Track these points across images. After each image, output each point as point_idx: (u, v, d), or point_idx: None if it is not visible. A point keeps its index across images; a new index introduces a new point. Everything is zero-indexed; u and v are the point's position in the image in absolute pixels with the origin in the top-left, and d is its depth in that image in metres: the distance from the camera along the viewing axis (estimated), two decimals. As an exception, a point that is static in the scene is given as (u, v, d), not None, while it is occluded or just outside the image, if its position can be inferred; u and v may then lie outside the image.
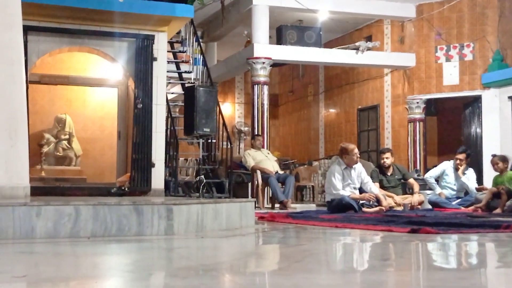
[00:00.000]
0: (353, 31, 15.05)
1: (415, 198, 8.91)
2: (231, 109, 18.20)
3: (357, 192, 8.15)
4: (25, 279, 2.45)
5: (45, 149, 10.94)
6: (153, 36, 8.65)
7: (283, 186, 10.09)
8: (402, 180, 9.30)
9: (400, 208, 8.63)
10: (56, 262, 3.15)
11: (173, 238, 4.24)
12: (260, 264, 3.40)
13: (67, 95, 11.33)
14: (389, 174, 9.21)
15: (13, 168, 4.97)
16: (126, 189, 8.40)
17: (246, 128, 17.36)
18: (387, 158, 9.17)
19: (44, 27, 8.18)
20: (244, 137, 17.44)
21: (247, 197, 10.65)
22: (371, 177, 8.79)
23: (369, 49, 13.17)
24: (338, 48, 13.61)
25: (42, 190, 7.54)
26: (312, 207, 10.98)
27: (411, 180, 9.29)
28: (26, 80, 5.85)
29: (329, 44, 14.99)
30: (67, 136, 11.13)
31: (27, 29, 7.25)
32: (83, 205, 4.18)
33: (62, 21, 8.27)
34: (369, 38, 14.20)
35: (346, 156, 8.10)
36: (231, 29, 14.45)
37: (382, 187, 8.92)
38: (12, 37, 5.18)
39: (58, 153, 11.10)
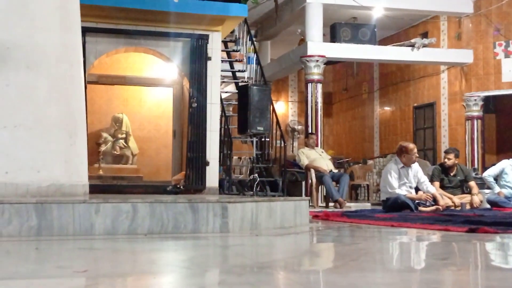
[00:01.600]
0: (409, 27, 14.84)
1: (475, 199, 8.67)
2: (284, 108, 18.19)
3: (413, 191, 8.03)
4: (86, 274, 2.51)
5: (103, 148, 11.17)
6: (208, 35, 8.73)
7: (338, 185, 10.03)
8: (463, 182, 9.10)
9: (457, 208, 8.46)
10: (115, 258, 3.21)
11: (228, 235, 4.26)
12: (315, 262, 3.39)
13: (123, 95, 11.55)
14: (451, 174, 9.02)
15: (73, 166, 5.07)
16: (181, 187, 8.50)
17: (299, 127, 17.33)
18: (449, 158, 8.98)
19: (101, 28, 8.35)
20: (298, 135, 17.42)
21: (301, 196, 10.62)
22: (432, 175, 8.64)
23: (425, 45, 12.96)
24: (393, 45, 13.45)
25: (100, 188, 7.68)
26: (367, 206, 10.89)
27: (472, 183, 9.04)
28: (85, 81, 5.98)
29: (384, 41, 14.82)
30: (124, 135, 11.33)
31: (85, 31, 7.41)
32: (140, 203, 4.25)
33: (119, 22, 8.43)
34: (425, 35, 13.99)
35: (405, 155, 7.99)
36: (284, 28, 14.44)
37: (442, 187, 8.76)
38: (72, 38, 5.30)
39: (115, 152, 11.32)
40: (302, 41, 13.15)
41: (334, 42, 12.76)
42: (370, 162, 14.20)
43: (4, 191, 4.60)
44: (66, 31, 5.22)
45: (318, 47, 12.31)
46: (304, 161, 10.33)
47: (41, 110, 4.91)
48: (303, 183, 11.57)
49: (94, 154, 10.63)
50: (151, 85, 11.06)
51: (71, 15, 5.33)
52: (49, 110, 4.95)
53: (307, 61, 12.25)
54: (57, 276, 2.51)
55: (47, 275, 2.55)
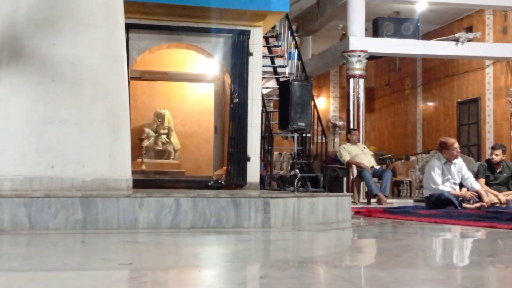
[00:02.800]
0: (453, 22, 14.61)
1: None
2: (325, 103, 18.11)
3: (457, 187, 7.91)
4: (131, 267, 2.54)
5: (145, 143, 11.28)
6: (249, 31, 8.74)
7: (380, 181, 9.94)
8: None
9: (503, 205, 8.29)
10: (159, 251, 3.25)
11: (270, 230, 4.27)
12: (358, 258, 3.37)
13: (166, 91, 11.64)
14: (497, 171, 8.85)
15: (117, 161, 5.14)
16: (223, 182, 8.54)
17: (341, 122, 17.23)
18: (496, 154, 8.80)
19: (144, 24, 8.44)
20: (339, 131, 17.32)
21: (342, 192, 10.56)
22: (478, 171, 8.49)
23: (469, 40, 12.73)
24: (437, 40, 13.25)
25: (142, 182, 7.78)
26: (409, 202, 10.76)
27: (518, 180, 8.85)
28: (128, 77, 6.05)
29: (427, 36, 14.62)
30: (166, 131, 11.43)
31: (128, 27, 7.49)
32: (183, 197, 4.29)
33: (161, 19, 8.50)
34: (469, 29, 13.75)
35: (446, 151, 7.88)
36: (326, 23, 14.37)
37: (487, 183, 8.60)
38: (116, 35, 5.36)
39: (157, 147, 11.42)
40: (344, 36, 13.06)
41: (376, 37, 12.64)
42: (412, 158, 14.02)
43: (50, 185, 4.69)
44: (110, 27, 5.28)
45: (360, 42, 12.20)
46: (346, 157, 10.27)
47: (86, 105, 4.99)
48: (345, 179, 11.51)
49: (137, 149, 10.75)
50: (193, 81, 11.12)
51: (115, 12, 5.39)
52: (94, 106, 5.02)
53: (349, 56, 12.16)
54: (103, 268, 2.55)
55: (94, 267, 2.59)
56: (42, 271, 2.43)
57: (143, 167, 10.80)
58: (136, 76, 9.98)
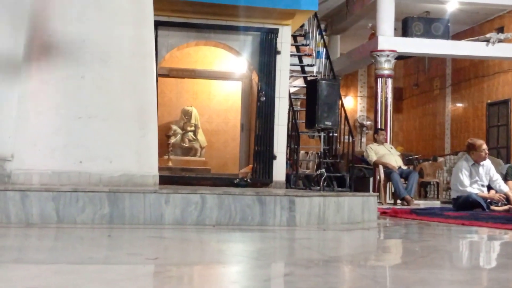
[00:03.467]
0: (484, 22, 14.43)
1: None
2: (353, 103, 18.03)
3: (485, 189, 7.82)
4: (157, 262, 2.56)
5: (172, 140, 11.34)
6: (277, 29, 8.73)
7: (406, 182, 9.87)
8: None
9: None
10: (184, 248, 3.27)
11: (295, 229, 4.27)
12: (383, 257, 3.36)
13: (193, 88, 11.68)
14: (526, 173, 8.72)
15: (144, 157, 5.19)
16: (249, 180, 8.55)
17: (368, 122, 17.13)
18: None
19: (173, 22, 8.48)
20: (366, 131, 17.23)
21: (368, 192, 10.51)
22: (507, 173, 8.39)
23: (500, 41, 12.57)
24: (467, 40, 13.09)
25: (169, 179, 7.82)
26: (436, 204, 10.67)
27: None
28: (156, 74, 6.09)
29: (457, 36, 14.46)
30: (193, 128, 11.47)
31: (157, 24, 7.54)
32: (209, 194, 4.30)
33: (190, 16, 8.54)
34: (500, 30, 13.56)
35: (474, 152, 7.80)
36: (355, 22, 14.30)
37: (517, 186, 8.48)
38: (145, 32, 5.40)
39: (184, 144, 11.47)
40: (373, 36, 12.97)
41: (405, 36, 12.54)
42: (440, 159, 13.89)
43: (78, 180, 4.75)
44: (139, 25, 5.33)
45: (389, 41, 12.12)
46: (373, 157, 10.21)
47: (114, 102, 5.04)
48: (371, 179, 11.44)
49: (164, 146, 10.81)
50: (220, 79, 11.14)
51: (145, 9, 5.43)
52: (122, 102, 5.07)
53: (378, 55, 12.09)
54: (129, 262, 2.57)
55: (120, 261, 2.61)
56: (69, 264, 2.47)
57: (170, 163, 10.85)
58: (164, 73, 10.03)
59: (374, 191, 10.61)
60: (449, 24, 12.80)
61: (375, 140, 10.72)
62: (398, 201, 9.94)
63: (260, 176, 8.57)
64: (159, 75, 7.90)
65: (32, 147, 4.90)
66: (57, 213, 4.02)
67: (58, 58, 4.96)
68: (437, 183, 12.95)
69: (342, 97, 10.57)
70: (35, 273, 2.21)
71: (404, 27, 12.70)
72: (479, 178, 7.80)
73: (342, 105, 10.01)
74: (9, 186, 4.27)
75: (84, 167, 4.80)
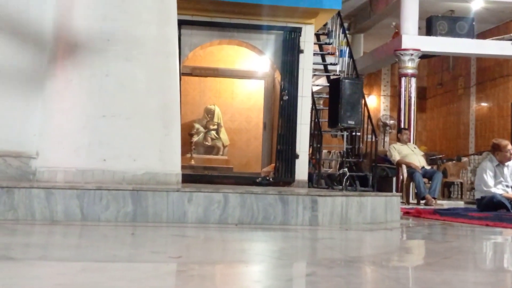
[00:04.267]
0: (509, 21, 14.25)
1: None
2: (376, 102, 17.94)
3: (509, 190, 7.74)
4: (180, 260, 2.57)
5: (195, 138, 11.39)
6: (300, 28, 8.73)
7: (430, 182, 9.80)
8: None
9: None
10: (207, 246, 3.28)
11: (318, 229, 4.26)
12: (406, 258, 3.34)
13: (216, 87, 11.73)
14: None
15: (167, 156, 5.21)
16: (271, 179, 8.55)
17: (391, 122, 17.05)
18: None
19: (196, 21, 8.52)
20: (389, 130, 17.14)
21: (391, 192, 10.46)
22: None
23: (526, 39, 12.42)
24: (492, 39, 12.95)
25: (191, 177, 7.85)
26: (460, 204, 10.58)
27: None
28: (179, 72, 6.11)
29: (482, 35, 14.31)
30: (215, 127, 11.52)
31: (181, 23, 7.56)
32: (231, 193, 4.31)
33: (213, 15, 8.56)
34: (526, 28, 13.40)
35: (498, 153, 7.72)
36: (378, 21, 14.23)
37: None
38: (168, 31, 5.43)
39: (206, 143, 11.52)
40: (397, 34, 12.90)
41: (430, 35, 12.45)
42: (464, 159, 13.76)
43: (102, 178, 4.79)
44: (163, 24, 5.35)
45: (413, 40, 12.04)
46: (396, 157, 10.16)
47: (138, 100, 5.07)
48: (394, 179, 11.38)
49: (187, 144, 10.86)
50: (243, 78, 11.17)
51: (168, 8, 5.46)
52: (146, 101, 5.10)
53: (401, 54, 12.02)
54: (153, 261, 2.59)
55: (143, 259, 2.63)
56: (93, 261, 2.49)
57: (192, 162, 10.91)
58: (187, 72, 10.08)
59: (397, 191, 10.56)
60: (474, 23, 12.67)
61: (398, 140, 10.65)
62: (421, 201, 9.87)
63: (282, 175, 8.57)
64: (182, 74, 7.94)
65: (56, 145, 4.95)
66: (81, 210, 4.06)
67: (83, 57, 5.00)
68: (461, 183, 12.84)
69: (365, 96, 10.52)
70: (61, 271, 2.24)
71: (428, 26, 12.60)
72: (504, 178, 7.72)
73: (365, 104, 9.96)
74: (34, 183, 4.32)
75: (108, 165, 4.84)
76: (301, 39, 8.71)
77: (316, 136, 9.56)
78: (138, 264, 2.47)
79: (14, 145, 5.02)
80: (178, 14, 5.71)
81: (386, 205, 5.26)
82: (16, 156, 4.97)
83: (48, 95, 5.07)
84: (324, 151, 11.89)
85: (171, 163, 5.24)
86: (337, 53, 11.18)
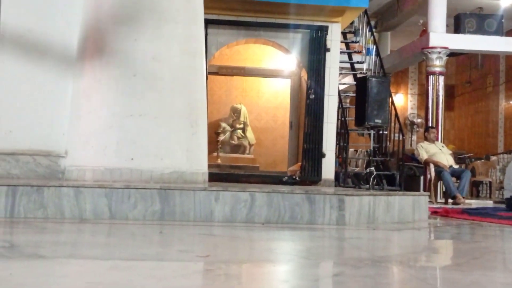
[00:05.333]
0: (539, 18, 14.06)
1: None
2: (403, 100, 17.82)
3: (540, 189, 7.64)
4: (208, 259, 2.58)
5: (221, 137, 11.43)
6: (327, 27, 8.70)
7: (458, 181, 9.70)
8: None
9: None
10: (234, 245, 3.29)
11: (344, 228, 4.24)
12: (434, 258, 3.31)
13: (242, 86, 11.75)
14: None
15: (194, 155, 5.23)
16: (297, 178, 8.54)
17: (419, 120, 16.92)
18: None
19: (223, 20, 8.54)
20: (417, 129, 17.01)
21: (419, 191, 10.37)
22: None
23: (556, 36, 12.23)
24: (522, 36, 12.79)
25: (218, 176, 7.88)
26: (489, 203, 10.46)
27: None
28: (206, 72, 6.13)
29: (511, 32, 14.13)
30: (242, 125, 11.54)
31: (207, 22, 7.59)
32: (258, 192, 4.32)
33: (240, 14, 8.58)
34: (557, 25, 13.20)
35: (529, 151, 7.62)
36: (406, 18, 14.13)
37: None
38: (195, 30, 5.45)
39: (233, 142, 11.55)
40: (424, 32, 12.80)
41: (458, 33, 12.33)
42: (493, 158, 13.60)
43: (129, 177, 4.83)
44: (190, 23, 5.37)
45: (441, 38, 11.93)
46: (423, 156, 10.08)
47: (165, 100, 5.10)
48: (421, 178, 11.30)
49: (213, 143, 10.90)
50: (269, 76, 11.18)
51: (195, 7, 5.48)
52: (173, 100, 5.13)
53: (429, 52, 11.92)
54: (181, 259, 2.60)
55: (172, 258, 2.65)
56: (123, 260, 2.51)
57: (219, 161, 10.94)
58: (213, 71, 10.11)
59: (424, 190, 10.48)
60: (502, 20, 12.52)
61: (425, 138, 10.57)
62: (449, 200, 9.78)
63: (309, 174, 8.56)
64: (208, 73, 7.97)
65: (85, 144, 5.00)
66: (109, 209, 4.09)
67: (111, 57, 5.05)
68: (490, 182, 12.69)
69: (392, 94, 10.45)
70: (91, 269, 2.26)
71: (456, 24, 12.48)
72: (534, 178, 7.62)
73: (392, 102, 9.90)
74: (63, 182, 4.37)
75: (135, 164, 4.87)
76: (328, 37, 8.68)
77: (342, 134, 9.53)
78: (166, 263, 2.49)
79: (43, 144, 5.10)
80: (205, 13, 5.73)
81: (414, 204, 5.22)
82: (45, 155, 5.04)
83: (76, 95, 5.13)
84: (351, 150, 11.85)
85: (198, 162, 5.26)
86: (364, 51, 11.13)
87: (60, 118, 5.14)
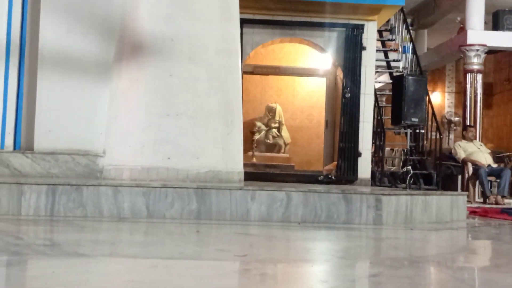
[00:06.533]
0: None
1: None
2: (440, 98, 17.61)
3: None
4: (246, 259, 2.59)
5: (257, 136, 11.44)
6: (363, 25, 8.66)
7: (497, 180, 9.55)
8: None
9: None
10: (271, 245, 3.29)
11: (381, 228, 4.22)
12: (473, 259, 3.27)
13: (277, 85, 11.75)
14: None
15: (229, 154, 5.25)
16: (333, 177, 8.51)
17: (456, 118, 16.70)
18: None
19: (258, 19, 8.55)
20: (454, 127, 16.80)
21: (456, 190, 10.24)
22: None
23: None
24: (562, 33, 12.51)
25: (253, 175, 7.89)
26: (529, 203, 10.26)
27: None
28: (241, 71, 6.15)
29: (551, 29, 13.84)
30: (277, 125, 11.54)
31: (242, 22, 7.61)
32: (294, 192, 4.31)
33: (275, 13, 8.58)
34: None
35: None
36: (443, 16, 13.96)
37: None
38: (231, 30, 5.47)
39: (268, 141, 11.56)
40: (462, 30, 12.62)
41: (496, 30, 12.12)
42: (533, 157, 13.35)
43: (166, 176, 4.87)
44: (225, 23, 5.39)
45: (479, 35, 11.75)
46: (461, 154, 9.94)
47: (201, 99, 5.13)
48: (459, 177, 11.14)
49: (248, 142, 10.92)
50: (304, 75, 11.16)
51: (231, 7, 5.50)
52: (209, 100, 5.15)
53: (467, 50, 11.75)
54: (219, 259, 2.62)
55: (209, 257, 2.67)
56: (162, 258, 2.54)
57: (254, 160, 10.96)
58: (248, 71, 10.13)
59: (462, 189, 10.34)
60: (543, 17, 12.28)
61: (463, 137, 10.42)
62: (488, 199, 9.62)
63: (344, 173, 8.53)
64: (244, 72, 7.98)
65: (122, 143, 5.06)
66: (147, 208, 4.13)
67: (147, 57, 5.09)
68: (530, 181, 12.45)
69: (429, 92, 10.34)
70: (131, 268, 2.29)
71: (495, 20, 12.28)
72: None
73: (429, 101, 9.79)
74: (102, 181, 4.43)
75: (172, 163, 4.91)
76: (364, 36, 8.64)
77: (378, 133, 9.46)
78: (204, 262, 2.50)
79: (81, 144, 5.17)
80: (240, 13, 5.74)
81: (452, 204, 5.16)
82: (84, 154, 5.11)
83: (113, 95, 5.19)
84: (387, 149, 11.75)
85: (234, 161, 5.28)
86: (400, 50, 11.03)
87: (98, 118, 5.20)
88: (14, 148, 5.29)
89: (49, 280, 1.94)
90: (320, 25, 8.62)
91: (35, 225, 3.68)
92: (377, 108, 9.44)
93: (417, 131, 10.11)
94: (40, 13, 5.27)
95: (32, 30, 5.35)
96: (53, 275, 2.02)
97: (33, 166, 5.01)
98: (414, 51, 10.75)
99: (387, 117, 10.12)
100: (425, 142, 10.36)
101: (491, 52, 12.71)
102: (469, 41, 11.71)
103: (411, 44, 10.83)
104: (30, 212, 4.01)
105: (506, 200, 9.51)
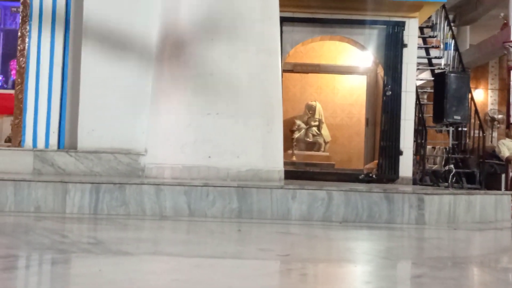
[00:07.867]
0: None
1: None
2: (483, 96, 17.30)
3: None
4: (288, 258, 2.59)
5: (296, 135, 11.41)
6: (404, 22, 8.56)
7: (543, 179, 9.35)
8: None
9: None
10: (313, 244, 3.28)
11: (424, 228, 4.17)
12: (520, 261, 3.21)
13: (317, 83, 11.69)
14: None
15: (269, 152, 5.25)
16: (374, 176, 8.44)
17: (500, 116, 16.38)
18: None
19: (298, 17, 8.53)
20: (498, 125, 16.48)
21: (500, 189, 10.05)
22: None
23: None
24: None
25: (293, 174, 7.86)
26: None
27: None
28: (281, 69, 6.14)
29: None
30: (317, 123, 11.48)
31: (282, 20, 7.58)
32: (335, 191, 4.29)
33: (314, 11, 8.55)
34: None
35: None
36: (485, 12, 13.72)
37: None
38: (271, 28, 5.46)
39: (308, 139, 11.51)
40: (505, 26, 12.39)
41: (541, 25, 11.88)
42: None
43: (207, 174, 4.89)
44: (265, 21, 5.39)
45: (523, 31, 11.53)
46: (505, 153, 9.77)
47: (241, 98, 5.14)
48: (503, 176, 10.93)
49: (288, 141, 10.89)
50: (344, 73, 11.08)
51: (271, 5, 5.50)
52: (249, 99, 5.16)
53: (511, 46, 11.53)
54: (262, 258, 2.62)
55: (252, 256, 2.67)
56: (205, 257, 2.55)
57: (294, 158, 10.92)
58: (288, 69, 10.11)
59: (506, 188, 10.14)
60: None
61: (507, 135, 10.23)
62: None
63: (385, 172, 8.45)
64: (283, 71, 7.95)
65: (164, 142, 5.10)
66: (188, 206, 4.16)
67: (188, 57, 5.12)
68: None
69: (472, 90, 10.17)
70: (175, 266, 2.31)
71: (540, 16, 12.03)
72: None
73: (472, 98, 9.63)
74: (144, 180, 4.48)
75: (212, 162, 4.94)
76: (405, 33, 8.54)
77: (420, 131, 9.34)
78: (247, 261, 2.51)
79: (124, 143, 5.23)
80: (280, 11, 5.73)
81: (496, 203, 5.07)
82: (126, 153, 5.17)
83: (154, 94, 5.24)
84: (429, 147, 11.60)
85: (274, 159, 5.28)
86: (441, 46, 10.86)
87: (140, 117, 5.25)
88: (58, 147, 5.38)
89: (97, 278, 1.97)
90: (360, 23, 8.55)
91: (79, 223, 3.74)
92: (419, 106, 9.32)
93: (460, 129, 9.95)
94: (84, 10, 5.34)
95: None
96: (101, 274, 2.05)
97: (77, 164, 5.09)
98: (456, 48, 10.58)
99: (428, 115, 9.99)
100: (467, 140, 10.20)
101: (536, 48, 12.44)
102: (513, 37, 11.51)
103: (453, 40, 10.66)
104: (74, 210, 4.08)
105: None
